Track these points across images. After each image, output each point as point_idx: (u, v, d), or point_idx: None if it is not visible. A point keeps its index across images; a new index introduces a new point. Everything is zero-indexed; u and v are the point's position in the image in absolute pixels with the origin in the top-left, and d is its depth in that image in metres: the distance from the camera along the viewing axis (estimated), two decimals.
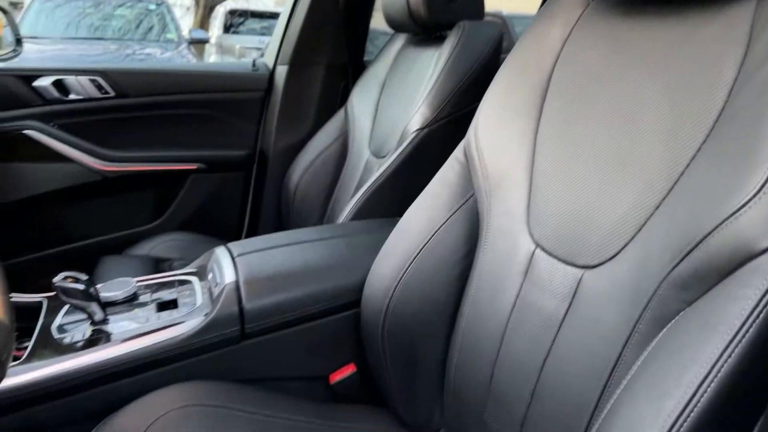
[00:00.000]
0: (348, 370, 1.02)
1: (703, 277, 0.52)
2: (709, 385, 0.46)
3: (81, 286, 0.91)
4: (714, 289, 0.51)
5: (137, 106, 1.69)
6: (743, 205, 0.49)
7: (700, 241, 0.52)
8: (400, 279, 0.90)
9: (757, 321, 0.46)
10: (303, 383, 1.01)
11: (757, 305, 0.46)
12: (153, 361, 0.90)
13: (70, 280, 0.92)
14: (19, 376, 0.83)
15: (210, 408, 0.87)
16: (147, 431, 0.81)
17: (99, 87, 1.63)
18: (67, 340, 0.91)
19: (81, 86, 1.63)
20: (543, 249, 0.75)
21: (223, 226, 1.84)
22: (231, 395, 0.90)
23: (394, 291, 0.90)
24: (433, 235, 0.89)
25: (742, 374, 0.46)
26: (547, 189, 0.77)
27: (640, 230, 0.62)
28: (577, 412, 0.64)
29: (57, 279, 0.91)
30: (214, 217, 1.83)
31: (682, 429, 0.46)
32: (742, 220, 0.49)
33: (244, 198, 1.85)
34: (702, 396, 0.46)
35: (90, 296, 0.92)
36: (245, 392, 0.92)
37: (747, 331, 0.46)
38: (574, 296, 0.68)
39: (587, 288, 0.67)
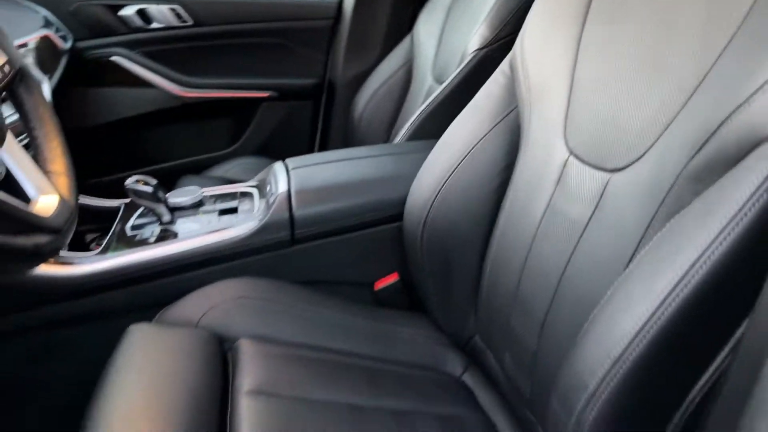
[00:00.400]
0: (391, 278, 1.07)
1: (714, 168, 0.51)
2: (701, 267, 0.46)
3: (149, 189, 1.00)
4: (722, 177, 0.50)
5: (213, 35, 1.76)
6: (757, 90, 0.47)
7: (714, 131, 0.51)
8: (439, 191, 0.92)
9: (757, 205, 0.45)
10: (349, 288, 1.07)
11: (757, 189, 0.45)
12: (211, 258, 0.98)
13: (141, 183, 1.01)
14: (95, 264, 0.94)
15: (261, 301, 0.95)
16: (202, 318, 0.90)
17: (178, 16, 1.72)
18: (138, 238, 1.01)
19: (162, 15, 1.71)
20: (576, 156, 0.74)
21: (293, 153, 1.91)
22: (281, 291, 0.98)
23: (433, 203, 0.92)
24: (473, 148, 0.90)
25: (735, 259, 0.46)
26: (586, 95, 0.75)
27: (666, 129, 0.61)
28: (590, 311, 0.65)
29: (129, 181, 1.00)
30: (285, 143, 1.90)
31: (670, 308, 0.47)
32: (754, 106, 0.47)
33: (314, 126, 1.91)
34: (692, 278, 0.47)
35: (157, 198, 1.01)
36: (294, 290, 0.99)
37: (745, 215, 0.45)
38: (599, 200, 0.68)
39: (612, 191, 0.67)
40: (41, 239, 0.57)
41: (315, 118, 1.90)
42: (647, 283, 0.49)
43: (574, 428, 0.52)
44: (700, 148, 0.53)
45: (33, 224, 0.57)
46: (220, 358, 0.85)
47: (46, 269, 0.91)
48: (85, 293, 0.93)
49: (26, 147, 0.70)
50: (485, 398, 0.92)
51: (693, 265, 0.47)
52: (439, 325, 1.00)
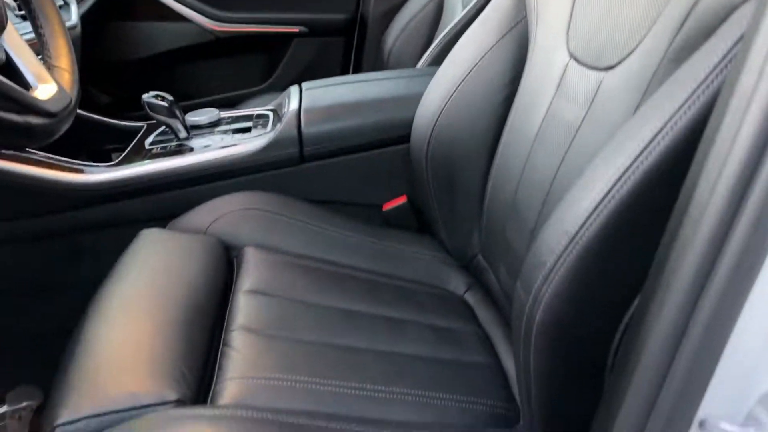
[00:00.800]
0: (400, 200, 1.07)
1: (693, 45, 0.48)
2: (663, 138, 0.44)
3: (165, 104, 1.03)
4: (696, 51, 0.47)
5: None
6: None
7: (693, 6, 0.48)
8: (445, 106, 0.91)
9: (724, 71, 0.43)
10: (358, 209, 1.08)
11: (726, 55, 0.43)
12: (222, 171, 1.01)
13: (159, 98, 1.04)
14: (112, 173, 0.98)
15: (268, 214, 0.97)
16: (211, 226, 0.94)
17: None
18: (155, 151, 1.05)
19: None
20: (575, 59, 0.72)
21: None
22: (288, 206, 1.00)
23: (438, 118, 0.91)
24: (480, 60, 0.88)
25: (701, 129, 0.44)
26: None
27: (655, 22, 0.58)
28: None
29: (146, 96, 1.03)
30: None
31: (628, 182, 0.46)
32: None
33: (345, 62, 1.91)
34: (654, 149, 0.45)
35: (173, 113, 1.04)
36: (302, 206, 1.01)
37: (711, 82, 0.43)
38: (592, 100, 0.66)
39: (604, 89, 0.65)
40: (34, 120, 0.60)
41: (347, 54, 1.90)
42: (609, 160, 0.48)
43: (530, 307, 0.51)
44: (681, 27, 0.50)
45: (28, 105, 0.60)
46: (225, 263, 0.88)
47: (66, 176, 0.95)
48: (103, 200, 0.98)
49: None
50: (484, 315, 0.92)
51: (655, 136, 0.45)
52: (445, 246, 1.00)
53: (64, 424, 0.57)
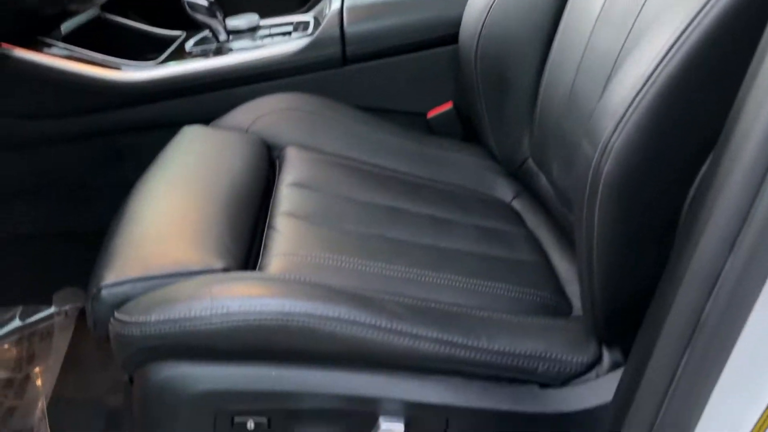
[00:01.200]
0: (445, 107, 1.03)
1: None
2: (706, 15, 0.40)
3: (205, 3, 1.00)
4: None
5: None
6: None
7: None
8: None
9: None
10: (402, 117, 1.04)
11: None
12: (262, 72, 0.98)
13: None
14: (152, 71, 0.96)
15: (310, 114, 0.95)
16: (252, 125, 0.91)
17: None
18: (194, 54, 1.02)
19: None
20: None
21: None
22: (331, 108, 0.97)
23: (489, 11, 0.86)
24: None
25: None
26: None
27: None
28: None
29: None
30: None
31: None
32: None
33: None
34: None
35: (213, 14, 1.01)
36: (344, 109, 0.98)
37: None
38: None
39: None
40: None
41: None
42: (659, 34, 0.43)
43: (597, 160, 0.48)
44: None
45: None
46: (267, 160, 0.87)
47: (106, 73, 0.94)
48: (142, 100, 0.96)
49: None
50: (533, 220, 0.88)
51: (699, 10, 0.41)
52: (492, 153, 0.96)
53: (110, 286, 0.56)
